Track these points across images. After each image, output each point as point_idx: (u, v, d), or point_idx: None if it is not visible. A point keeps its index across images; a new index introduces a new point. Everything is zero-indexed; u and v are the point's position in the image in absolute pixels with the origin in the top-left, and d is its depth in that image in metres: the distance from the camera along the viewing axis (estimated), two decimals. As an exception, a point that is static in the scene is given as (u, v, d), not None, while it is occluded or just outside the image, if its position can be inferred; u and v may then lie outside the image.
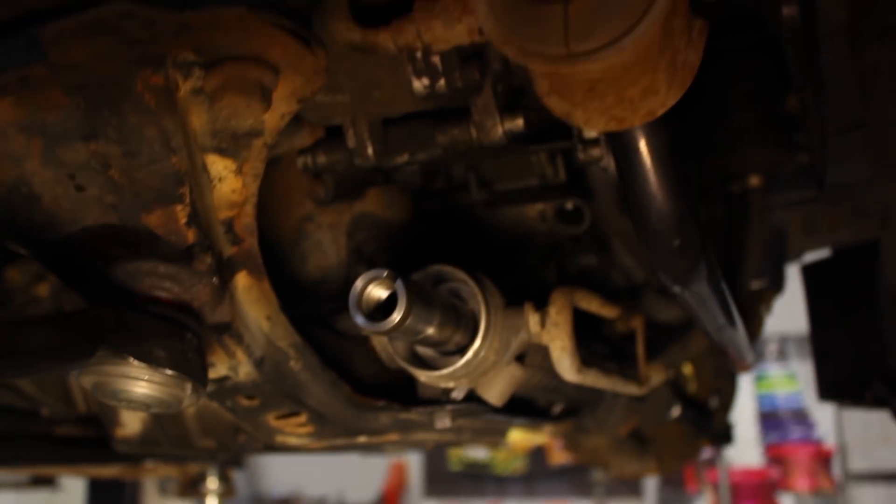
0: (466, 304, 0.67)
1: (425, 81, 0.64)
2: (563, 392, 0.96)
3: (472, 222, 0.82)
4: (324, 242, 0.88)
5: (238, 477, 3.17)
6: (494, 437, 1.18)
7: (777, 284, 1.49)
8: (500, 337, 0.67)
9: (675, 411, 1.58)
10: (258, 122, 0.51)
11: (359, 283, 0.58)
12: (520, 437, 4.47)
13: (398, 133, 0.74)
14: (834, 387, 1.51)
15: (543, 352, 0.72)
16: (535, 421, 1.06)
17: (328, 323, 0.78)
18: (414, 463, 5.36)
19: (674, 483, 4.89)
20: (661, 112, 0.47)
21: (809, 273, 1.55)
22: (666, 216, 0.54)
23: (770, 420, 4.84)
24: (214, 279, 0.59)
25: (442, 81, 0.63)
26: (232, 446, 1.15)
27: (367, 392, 0.79)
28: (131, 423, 1.19)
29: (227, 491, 2.51)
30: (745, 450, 4.82)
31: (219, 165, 0.55)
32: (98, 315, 0.52)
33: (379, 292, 0.59)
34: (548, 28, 0.40)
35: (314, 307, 0.78)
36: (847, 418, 4.74)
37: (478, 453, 5.19)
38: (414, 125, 0.73)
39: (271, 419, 0.78)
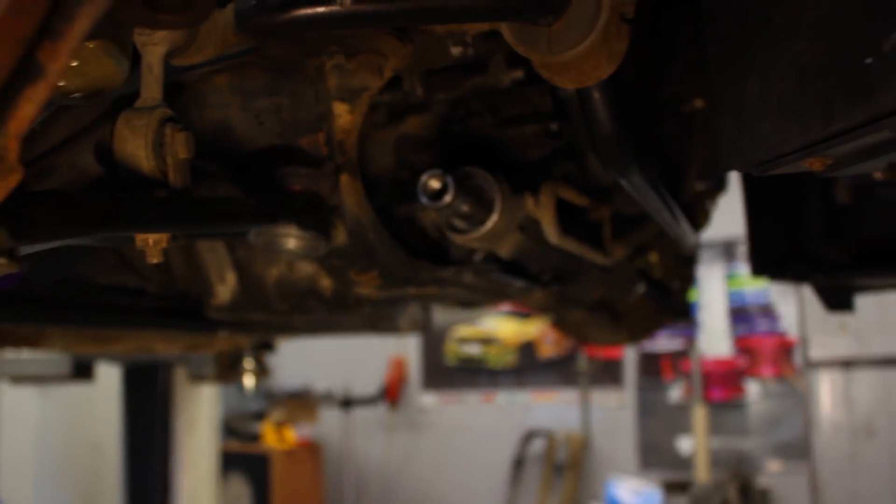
0: (486, 193, 1.04)
1: (460, 49, 1.00)
2: (550, 260, 1.33)
3: (487, 139, 1.18)
4: (378, 155, 1.24)
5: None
6: (500, 297, 1.55)
7: (720, 186, 1.86)
8: (509, 213, 1.03)
9: (640, 288, 1.96)
10: (374, 85, 0.88)
11: (423, 177, 0.95)
12: (512, 332, 4.98)
13: (438, 80, 1.09)
14: (765, 266, 1.89)
15: (537, 224, 1.09)
16: (530, 284, 1.43)
17: (389, 209, 1.15)
18: (413, 359, 5.75)
19: (651, 372, 5.32)
20: (604, 77, 0.83)
21: (748, 174, 1.91)
22: (608, 129, 0.90)
23: (739, 315, 5.22)
24: (333, 178, 0.96)
25: (471, 50, 0.99)
26: (302, 308, 1.52)
27: (415, 255, 1.16)
28: (223, 293, 1.56)
29: (261, 371, 2.91)
30: (716, 342, 5.25)
31: (340, 108, 0.91)
32: (275, 198, 0.88)
33: (434, 184, 0.96)
34: (539, 40, 0.76)
35: (379, 199, 1.15)
36: (808, 312, 5.16)
37: (472, 349, 5.58)
38: (449, 75, 1.08)
39: (353, 274, 1.15)
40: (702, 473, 4.83)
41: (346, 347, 5.57)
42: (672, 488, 5.00)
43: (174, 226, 0.65)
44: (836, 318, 5.10)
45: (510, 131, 1.16)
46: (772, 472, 5.14)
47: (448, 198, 0.92)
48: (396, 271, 1.15)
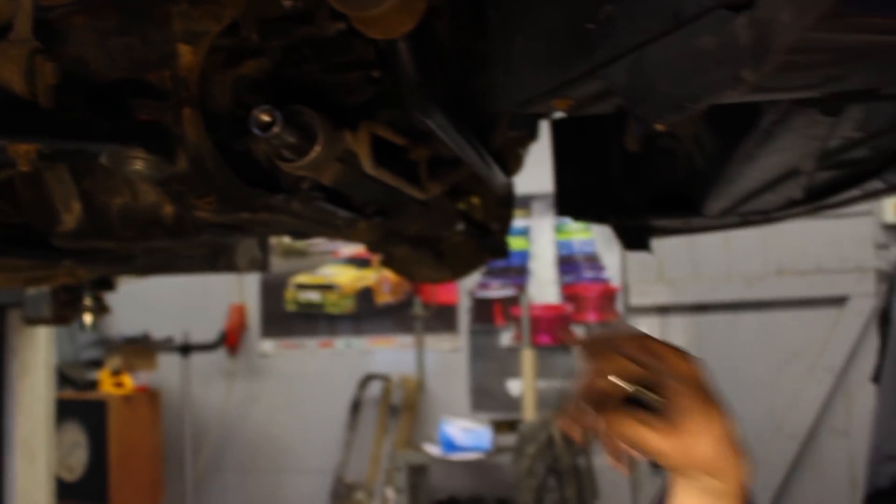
0: (311, 128, 1.20)
1: (290, 2, 1.15)
2: (371, 193, 1.51)
3: (316, 83, 1.34)
4: (218, 94, 1.38)
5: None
6: (328, 228, 1.72)
7: (532, 135, 2.07)
8: (330, 145, 1.20)
9: (460, 225, 2.16)
10: (214, 30, 1.02)
11: (254, 111, 1.10)
12: (350, 278, 5.15)
13: (271, 28, 1.24)
14: (569, 207, 2.12)
15: (355, 157, 1.26)
16: (354, 215, 1.61)
17: (228, 142, 1.30)
18: (253, 305, 5.84)
19: (484, 319, 5.60)
20: (407, 30, 1.01)
21: (556, 126, 2.14)
22: (410, 75, 1.08)
23: (567, 264, 5.55)
24: (177, 110, 1.10)
25: (301, 2, 1.15)
26: (145, 236, 1.64)
27: (249, 183, 1.32)
28: (68, 221, 1.66)
29: (100, 309, 2.99)
30: (545, 289, 5.58)
31: (184, 49, 1.05)
32: (126, 125, 1.02)
33: (264, 117, 1.11)
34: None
35: (220, 132, 1.30)
36: (630, 262, 5.54)
37: (311, 296, 5.72)
38: (281, 24, 1.23)
39: (193, 198, 1.30)
40: (529, 413, 5.16)
41: (186, 294, 5.62)
42: (501, 427, 5.30)
43: (42, 138, 0.79)
44: (655, 269, 5.51)
45: (336, 77, 1.33)
46: (592, 410, 5.50)
47: (276, 129, 1.08)
48: (232, 197, 1.31)
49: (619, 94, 0.75)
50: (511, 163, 2.05)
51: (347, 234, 1.86)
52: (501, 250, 2.52)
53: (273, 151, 1.20)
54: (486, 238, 2.43)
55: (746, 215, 2.02)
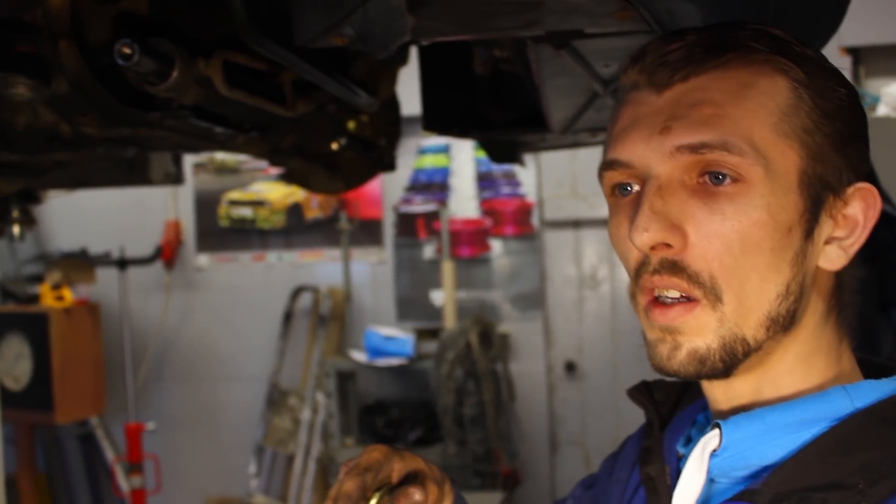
0: (170, 57, 1.46)
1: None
2: (236, 110, 1.77)
3: (181, 20, 1.59)
4: (98, 26, 1.63)
5: (28, 237, 3.81)
6: (210, 142, 1.98)
7: (402, 59, 2.33)
8: (186, 70, 1.46)
9: (342, 141, 2.43)
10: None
11: (116, 45, 1.36)
12: (280, 195, 5.42)
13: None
14: (436, 123, 2.39)
15: (211, 80, 1.53)
16: (231, 130, 1.87)
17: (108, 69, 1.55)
18: (187, 221, 6.07)
19: (407, 233, 5.88)
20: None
21: (423, 51, 2.39)
22: (239, 10, 1.34)
23: (485, 180, 5.83)
24: (52, 42, 1.36)
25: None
26: (48, 149, 1.88)
27: (125, 103, 1.58)
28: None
29: (28, 221, 3.22)
30: (465, 204, 5.87)
31: (54, -8, 1.31)
32: (7, 55, 1.28)
33: (125, 50, 1.37)
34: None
35: (101, 60, 1.55)
36: (545, 179, 5.84)
37: (243, 211, 5.96)
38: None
39: (76, 115, 1.56)
40: (450, 322, 5.49)
41: (122, 211, 5.84)
42: (423, 335, 5.63)
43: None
44: (568, 185, 5.82)
45: (198, 14, 1.59)
46: (511, 318, 5.86)
47: (135, 58, 1.34)
48: (110, 114, 1.57)
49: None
50: (383, 85, 2.31)
51: (231, 147, 2.12)
52: (390, 164, 2.79)
53: (138, 77, 1.46)
54: (375, 152, 2.70)
55: (588, 131, 2.30)
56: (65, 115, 1.56)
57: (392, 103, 2.68)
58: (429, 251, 5.91)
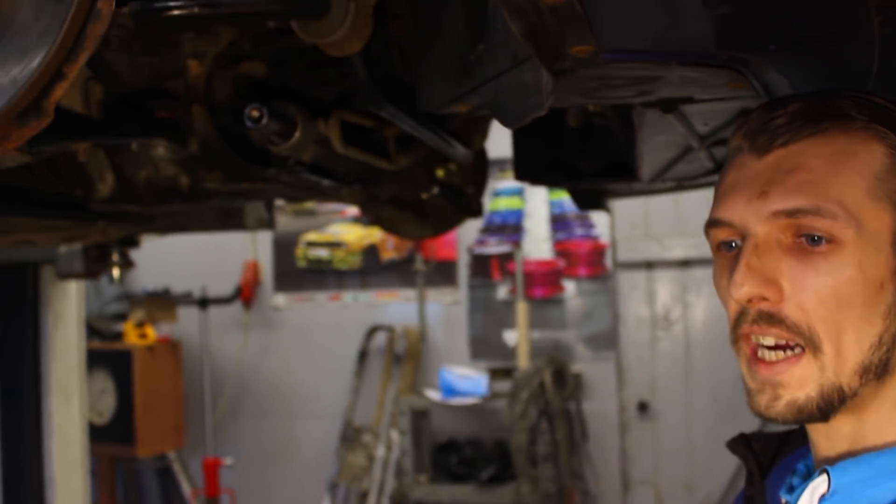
0: (292, 118, 1.55)
1: (273, 23, 1.50)
2: (348, 166, 1.87)
3: (299, 81, 1.70)
4: (221, 90, 1.74)
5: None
6: (317, 193, 2.07)
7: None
8: (307, 132, 1.55)
9: (434, 189, 2.52)
10: (212, 51, 1.39)
11: (246, 109, 1.46)
12: (356, 236, 5.54)
13: (262, 39, 1.60)
14: (526, 173, 2.47)
15: (328, 139, 1.62)
16: (336, 182, 1.97)
17: (231, 127, 1.66)
18: (266, 262, 6.21)
19: (482, 274, 5.94)
20: (357, 49, 1.36)
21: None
22: (362, 78, 1.43)
23: (559, 222, 5.88)
24: (188, 108, 1.46)
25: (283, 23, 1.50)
26: (166, 200, 1.99)
27: (246, 160, 1.68)
28: (103, 189, 2.02)
29: (126, 264, 3.36)
30: (539, 245, 5.93)
31: (192, 63, 1.42)
32: (150, 121, 1.39)
33: (254, 113, 1.47)
34: (313, 28, 1.28)
35: (224, 119, 1.66)
36: (618, 221, 5.87)
37: (320, 252, 6.08)
38: (269, 36, 1.59)
39: (203, 172, 1.66)
40: (523, 361, 5.53)
41: (204, 252, 6.00)
42: (497, 374, 5.68)
43: (94, 138, 1.14)
44: (642, 226, 5.84)
45: (312, 76, 1.69)
46: (584, 358, 5.88)
47: (264, 121, 1.44)
48: (233, 171, 1.67)
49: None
50: (475, 137, 2.39)
51: (335, 198, 2.22)
52: (477, 210, 2.87)
53: (263, 138, 1.56)
54: (463, 200, 2.79)
55: (675, 181, 2.36)
56: (190, 172, 1.67)
57: (480, 152, 2.76)
58: (502, 292, 5.97)
